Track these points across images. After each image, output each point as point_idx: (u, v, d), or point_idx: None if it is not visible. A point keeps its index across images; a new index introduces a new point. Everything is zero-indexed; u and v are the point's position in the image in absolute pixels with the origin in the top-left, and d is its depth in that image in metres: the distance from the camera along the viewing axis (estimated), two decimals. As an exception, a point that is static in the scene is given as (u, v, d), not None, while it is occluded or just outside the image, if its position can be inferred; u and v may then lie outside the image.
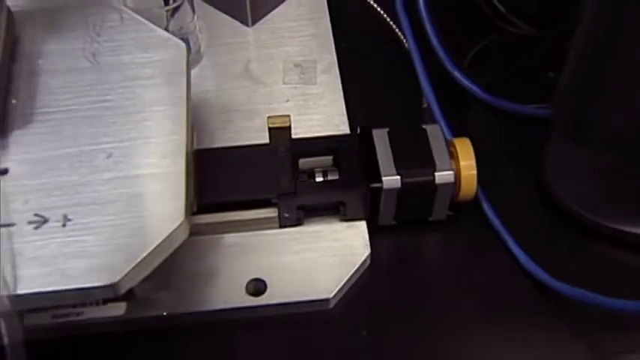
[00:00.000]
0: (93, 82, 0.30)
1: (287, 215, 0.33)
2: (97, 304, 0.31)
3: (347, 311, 0.32)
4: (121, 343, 0.31)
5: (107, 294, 0.25)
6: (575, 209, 0.34)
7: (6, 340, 0.24)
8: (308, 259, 0.32)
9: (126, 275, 0.25)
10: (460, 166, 0.32)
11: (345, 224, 0.33)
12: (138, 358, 0.31)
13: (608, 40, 0.27)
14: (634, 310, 0.29)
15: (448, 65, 0.37)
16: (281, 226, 0.33)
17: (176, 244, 0.26)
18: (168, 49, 0.32)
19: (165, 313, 0.31)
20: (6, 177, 0.27)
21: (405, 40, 0.40)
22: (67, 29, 0.32)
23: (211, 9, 0.42)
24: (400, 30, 0.41)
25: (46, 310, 0.30)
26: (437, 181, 0.32)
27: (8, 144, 0.28)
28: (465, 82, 0.37)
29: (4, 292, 0.24)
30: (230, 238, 0.33)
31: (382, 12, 0.42)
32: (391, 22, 0.42)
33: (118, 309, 0.30)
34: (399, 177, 0.32)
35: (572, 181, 0.34)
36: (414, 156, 0.32)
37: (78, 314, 0.30)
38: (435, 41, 0.37)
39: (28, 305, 0.25)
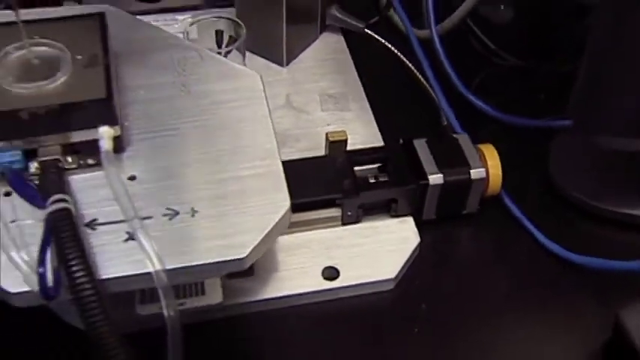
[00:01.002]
0: (188, 106, 0.36)
1: (349, 213, 0.39)
2: (197, 294, 0.36)
3: (406, 290, 0.38)
4: (219, 329, 0.35)
5: (237, 267, 0.30)
6: (578, 197, 0.41)
7: (167, 313, 0.29)
8: (370, 249, 0.38)
9: (252, 251, 0.30)
10: (488, 165, 0.39)
11: (396, 220, 0.40)
12: (238, 341, 0.35)
13: (613, 43, 0.35)
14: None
15: (463, 91, 0.45)
16: (343, 224, 0.39)
17: (285, 226, 0.32)
18: (245, 78, 0.38)
19: (257, 299, 0.36)
20: (134, 182, 0.32)
21: (416, 72, 0.47)
22: (158, 66, 0.37)
23: (249, 53, 0.49)
24: (413, 64, 0.48)
25: (153, 302, 0.35)
26: (472, 177, 0.39)
27: (128, 157, 0.33)
28: (478, 103, 0.45)
29: (159, 267, 0.29)
30: (302, 235, 0.39)
31: (394, 49, 0.50)
32: (402, 56, 0.49)
33: (216, 297, 0.35)
34: (441, 175, 0.38)
35: (575, 174, 0.42)
36: (451, 158, 0.39)
37: (181, 304, 0.35)
38: (452, 73, 0.45)
39: (176, 280, 0.30)
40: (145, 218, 0.31)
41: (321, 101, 0.46)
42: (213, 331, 0.35)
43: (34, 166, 0.32)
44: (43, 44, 0.33)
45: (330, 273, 0.37)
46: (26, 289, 0.28)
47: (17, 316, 0.30)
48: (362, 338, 0.36)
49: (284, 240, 0.38)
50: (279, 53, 0.48)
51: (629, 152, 0.41)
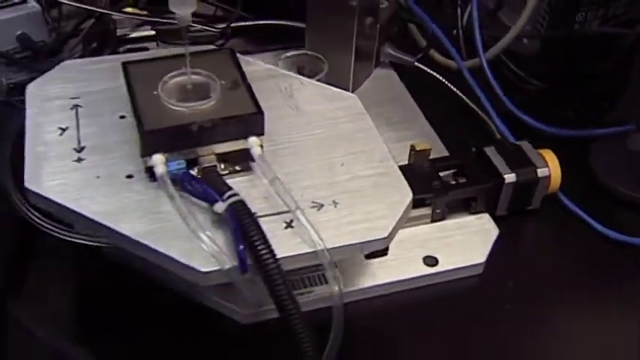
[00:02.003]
0: (303, 123, 0.42)
1: (438, 211, 0.45)
2: (321, 283, 0.41)
3: (493, 272, 0.44)
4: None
5: (380, 245, 0.36)
6: (618, 188, 0.49)
7: (333, 287, 0.34)
8: (459, 240, 0.45)
9: (391, 231, 0.36)
10: (549, 166, 0.46)
11: (474, 216, 0.46)
12: (355, 323, 0.41)
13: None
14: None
15: (511, 107, 0.52)
16: (432, 221, 0.45)
17: (408, 214, 0.38)
18: (346, 99, 0.45)
19: (370, 285, 0.42)
20: (278, 183, 0.38)
21: (463, 96, 0.55)
22: (269, 92, 0.43)
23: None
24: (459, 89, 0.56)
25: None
26: (539, 175, 0.46)
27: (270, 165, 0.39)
28: (525, 117, 0.52)
29: (322, 247, 0.34)
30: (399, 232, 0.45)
31: (441, 78, 0.57)
32: (449, 84, 0.57)
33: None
34: (514, 174, 0.45)
35: (612, 168, 0.50)
36: (519, 161, 0.46)
37: (310, 292, 0.41)
38: (500, 93, 0.52)
39: (335, 257, 0.35)
40: (298, 209, 0.36)
41: (386, 122, 0.53)
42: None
43: (194, 173, 0.37)
44: (195, 73, 0.39)
45: (430, 261, 0.43)
46: (217, 267, 0.33)
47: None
48: (464, 314, 0.42)
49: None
50: (347, 84, 0.55)
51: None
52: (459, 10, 0.59)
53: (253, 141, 0.38)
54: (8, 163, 0.43)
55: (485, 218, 0.46)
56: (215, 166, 0.38)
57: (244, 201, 0.35)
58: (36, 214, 0.40)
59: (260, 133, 0.38)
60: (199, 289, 0.40)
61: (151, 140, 0.36)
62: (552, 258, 0.46)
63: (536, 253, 0.46)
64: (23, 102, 0.53)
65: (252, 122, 0.38)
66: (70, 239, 0.40)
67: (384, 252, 0.42)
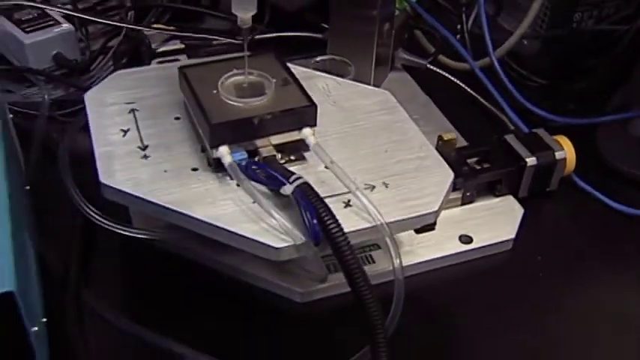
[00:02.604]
0: (345, 117, 0.46)
1: (468, 194, 0.49)
2: (370, 262, 0.45)
3: (521, 248, 0.48)
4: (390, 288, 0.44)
5: (430, 219, 0.40)
6: (623, 168, 0.54)
7: (394, 260, 0.37)
8: (489, 220, 0.49)
9: (439, 206, 0.40)
10: (565, 149, 0.51)
11: (499, 199, 0.50)
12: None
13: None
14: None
15: (522, 100, 0.56)
16: (462, 204, 0.49)
17: (450, 191, 0.42)
18: (380, 94, 0.48)
19: (416, 262, 0.45)
20: (335, 166, 0.41)
21: (474, 93, 0.60)
22: (310, 91, 0.47)
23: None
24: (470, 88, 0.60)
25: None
26: (557, 157, 0.50)
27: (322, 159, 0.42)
28: (535, 109, 0.56)
29: (382, 221, 0.38)
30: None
31: (453, 78, 0.61)
32: (461, 83, 0.61)
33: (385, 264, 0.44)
34: (535, 157, 0.49)
35: (618, 151, 0.54)
36: (538, 146, 0.50)
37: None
38: (511, 88, 0.57)
39: (393, 230, 0.38)
40: (353, 191, 0.40)
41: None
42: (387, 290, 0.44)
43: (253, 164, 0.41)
44: (250, 73, 0.43)
45: (465, 239, 0.47)
46: (289, 243, 0.37)
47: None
48: (499, 285, 0.46)
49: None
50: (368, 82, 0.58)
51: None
52: (463, 16, 0.64)
53: (307, 131, 0.41)
54: (68, 169, 0.45)
55: (510, 200, 0.50)
56: (274, 155, 0.41)
57: (309, 182, 0.38)
58: (96, 211, 0.43)
59: (313, 124, 0.42)
60: (251, 273, 0.44)
61: (218, 133, 0.39)
62: (573, 233, 0.50)
63: (558, 230, 0.51)
64: (65, 116, 0.57)
65: (306, 114, 0.41)
66: (126, 233, 0.43)
67: (432, 226, 0.45)
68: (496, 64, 0.57)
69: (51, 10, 0.62)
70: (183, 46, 0.62)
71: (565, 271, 0.47)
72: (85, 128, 0.45)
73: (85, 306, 0.42)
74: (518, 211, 0.50)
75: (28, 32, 0.59)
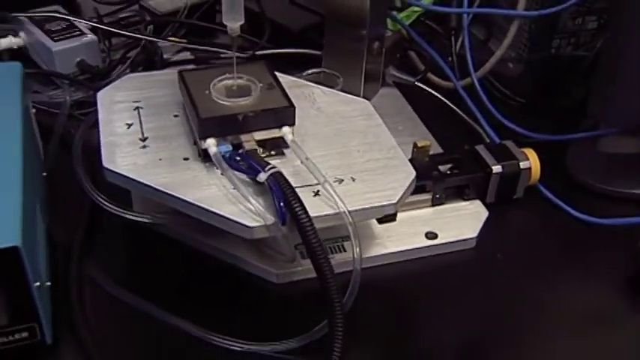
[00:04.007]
0: (325, 121, 0.51)
1: (438, 196, 0.54)
2: (340, 251, 0.49)
3: (483, 246, 0.52)
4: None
5: (390, 210, 0.45)
6: (588, 181, 0.58)
7: (354, 246, 0.42)
8: (455, 220, 0.53)
9: (399, 199, 0.45)
10: (530, 159, 0.55)
11: (468, 202, 0.55)
12: (369, 285, 0.49)
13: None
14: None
15: (498, 116, 0.61)
16: (432, 205, 0.54)
17: (412, 189, 0.47)
18: (359, 103, 0.54)
19: (381, 253, 0.50)
20: (309, 162, 0.46)
21: (456, 108, 0.64)
22: (295, 97, 0.52)
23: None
24: (458, 107, 0.65)
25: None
26: (521, 167, 0.54)
27: (297, 154, 0.47)
28: (511, 125, 0.61)
29: (345, 209, 0.43)
30: (404, 214, 0.53)
31: (437, 94, 0.67)
32: (444, 99, 0.66)
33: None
34: (500, 166, 0.54)
35: (585, 165, 0.59)
36: (505, 156, 0.55)
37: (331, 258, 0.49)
38: (488, 104, 0.62)
39: (356, 218, 0.43)
40: (325, 182, 0.45)
41: (392, 130, 0.62)
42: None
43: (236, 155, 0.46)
44: (239, 77, 0.49)
45: (431, 235, 0.52)
46: (261, 223, 0.42)
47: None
48: (461, 280, 0.50)
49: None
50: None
51: (623, 153, 0.58)
52: (452, 39, 0.69)
53: (286, 130, 0.47)
54: (80, 160, 0.52)
55: (477, 203, 0.55)
56: (256, 149, 0.46)
57: (282, 172, 0.43)
58: (103, 197, 0.49)
59: (292, 123, 0.47)
60: (234, 254, 0.49)
61: (206, 126, 0.45)
62: (533, 236, 0.55)
63: (520, 233, 0.55)
64: (83, 115, 0.63)
65: (286, 114, 0.47)
66: (127, 216, 0.49)
67: (393, 217, 0.50)
68: (476, 82, 0.62)
69: (78, 22, 0.69)
70: (193, 57, 0.69)
71: (523, 267, 0.51)
72: (96, 124, 0.52)
73: (86, 276, 0.48)
74: (483, 213, 0.54)
75: (56, 41, 0.66)
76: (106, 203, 0.49)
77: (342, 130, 0.51)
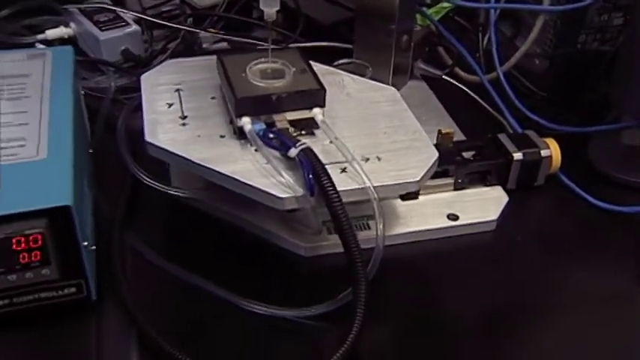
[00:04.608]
0: (354, 105, 0.54)
1: (460, 180, 0.56)
2: (365, 229, 0.52)
3: (503, 229, 0.54)
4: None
5: (413, 188, 0.47)
6: (608, 171, 0.60)
7: (377, 219, 0.45)
8: (476, 203, 0.56)
9: (422, 177, 0.47)
10: (551, 148, 0.57)
11: (489, 188, 0.57)
12: (390, 262, 0.51)
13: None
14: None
15: (523, 109, 0.63)
16: (455, 189, 0.56)
17: (434, 169, 0.49)
18: (386, 90, 0.57)
19: (405, 231, 0.53)
20: (338, 142, 0.49)
21: (481, 101, 0.67)
22: (327, 84, 0.54)
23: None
24: (483, 100, 0.67)
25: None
26: (542, 155, 0.57)
27: (327, 134, 0.50)
28: (534, 117, 0.63)
29: (370, 184, 0.45)
30: (428, 196, 0.55)
31: (463, 87, 0.69)
32: (470, 92, 0.68)
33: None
34: (521, 153, 0.56)
35: (605, 157, 0.60)
36: (526, 143, 0.57)
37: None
38: (513, 97, 0.64)
39: (381, 193, 0.46)
40: (353, 159, 0.48)
41: (419, 120, 0.64)
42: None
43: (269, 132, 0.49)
44: (273, 61, 0.52)
45: (452, 216, 0.54)
46: (291, 194, 0.45)
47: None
48: (480, 258, 0.53)
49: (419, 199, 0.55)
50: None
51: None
52: (480, 35, 0.72)
53: (317, 111, 0.50)
54: (124, 139, 0.55)
55: (498, 189, 0.57)
56: (287, 128, 0.49)
57: (311, 148, 0.46)
58: (144, 172, 0.53)
59: (322, 105, 0.50)
60: (267, 229, 0.52)
61: (242, 105, 0.48)
62: (554, 221, 0.57)
63: (539, 217, 0.57)
64: (127, 99, 0.67)
65: (317, 96, 0.50)
66: (166, 191, 0.52)
67: (415, 195, 0.53)
68: (501, 75, 0.65)
69: (124, 14, 0.73)
70: (229, 47, 0.72)
71: (542, 250, 0.54)
72: (138, 107, 0.55)
73: (127, 244, 0.51)
74: (504, 198, 0.56)
75: (103, 30, 0.70)
76: (146, 178, 0.53)
77: (370, 114, 0.54)
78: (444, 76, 0.70)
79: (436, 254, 0.53)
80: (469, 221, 0.54)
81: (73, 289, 0.45)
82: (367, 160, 0.49)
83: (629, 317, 0.49)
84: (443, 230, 0.54)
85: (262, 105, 0.49)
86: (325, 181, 0.44)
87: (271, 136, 0.48)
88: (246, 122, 0.49)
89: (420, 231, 0.53)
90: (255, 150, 0.49)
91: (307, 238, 0.51)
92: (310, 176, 0.44)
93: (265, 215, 0.52)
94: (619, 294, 0.51)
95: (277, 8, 0.48)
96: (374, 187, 0.46)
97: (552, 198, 0.59)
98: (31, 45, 0.72)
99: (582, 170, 0.61)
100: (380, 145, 0.50)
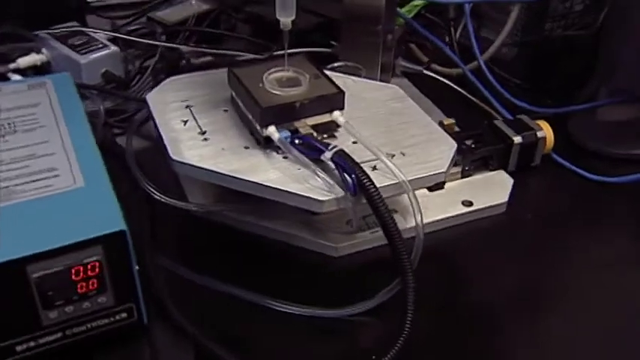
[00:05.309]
0: (364, 106, 0.56)
1: (467, 168, 0.59)
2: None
3: (514, 210, 0.58)
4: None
5: (440, 178, 0.50)
6: (590, 146, 0.64)
7: (415, 213, 0.47)
8: (485, 188, 0.58)
9: (447, 168, 0.50)
10: (545, 130, 0.61)
11: (493, 172, 0.60)
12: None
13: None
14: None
15: (507, 95, 0.67)
16: (462, 177, 0.59)
17: (454, 159, 0.52)
18: (390, 88, 0.59)
19: (430, 220, 0.55)
20: (363, 141, 0.51)
21: (463, 91, 0.70)
22: None
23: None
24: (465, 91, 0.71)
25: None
26: (538, 136, 0.60)
27: (352, 134, 0.52)
28: (518, 102, 0.67)
29: (404, 179, 0.47)
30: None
31: (445, 80, 0.72)
32: (452, 84, 0.71)
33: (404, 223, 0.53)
34: (520, 136, 0.60)
35: (585, 133, 0.65)
36: (522, 127, 0.61)
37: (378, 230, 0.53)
38: (497, 85, 0.67)
39: (413, 186, 0.48)
40: (378, 159, 0.49)
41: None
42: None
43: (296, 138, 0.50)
44: (288, 70, 0.53)
45: (467, 202, 0.57)
46: (332, 196, 0.46)
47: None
48: (499, 237, 0.55)
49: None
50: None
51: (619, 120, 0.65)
52: (452, 29, 0.75)
53: (337, 114, 0.51)
54: (133, 157, 0.55)
55: (502, 173, 0.60)
56: (311, 133, 0.51)
57: (344, 149, 0.48)
58: (158, 190, 0.52)
59: (342, 107, 0.51)
60: (294, 234, 0.53)
61: (267, 115, 0.49)
62: (555, 196, 0.61)
63: (543, 196, 0.61)
64: (117, 122, 0.66)
65: (337, 99, 0.51)
66: (187, 208, 0.53)
67: (442, 185, 0.55)
68: (483, 65, 0.68)
69: (99, 35, 0.72)
70: (213, 60, 0.73)
71: (551, 224, 0.57)
72: (143, 125, 0.55)
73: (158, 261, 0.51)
74: (509, 181, 0.59)
75: (82, 54, 0.69)
76: (163, 196, 0.52)
77: (380, 112, 0.56)
78: (424, 71, 0.73)
79: (458, 238, 0.55)
80: (483, 205, 0.57)
81: (125, 315, 0.44)
82: (393, 156, 0.51)
83: (632, 278, 0.53)
84: (460, 217, 0.56)
85: (286, 113, 0.50)
86: (365, 180, 0.46)
87: (297, 142, 0.49)
88: (272, 131, 0.49)
89: (440, 219, 0.55)
90: (284, 157, 0.50)
91: (337, 238, 0.53)
92: (353, 175, 0.46)
93: (289, 221, 0.53)
94: (620, 255, 0.55)
95: (293, 17, 0.49)
96: (408, 181, 0.48)
97: (548, 175, 0.62)
98: (3, 75, 0.69)
99: (566, 148, 0.65)
100: (399, 142, 0.52)
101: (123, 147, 0.58)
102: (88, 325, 0.43)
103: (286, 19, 0.49)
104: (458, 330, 0.48)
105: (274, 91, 0.51)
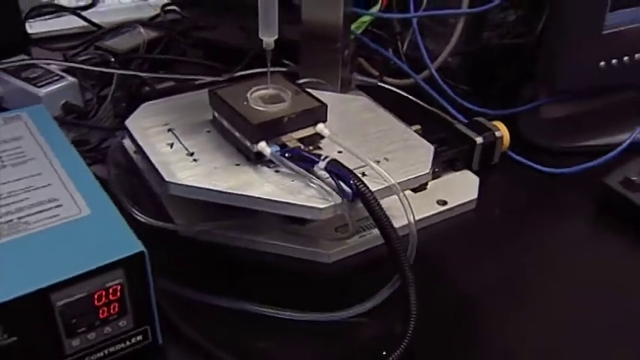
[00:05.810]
0: (338, 118, 0.58)
1: (436, 170, 0.62)
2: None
3: (483, 205, 0.62)
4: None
5: (423, 180, 0.53)
6: (539, 142, 0.70)
7: (408, 218, 0.50)
8: (455, 188, 0.62)
9: (430, 169, 0.53)
10: (501, 130, 0.66)
11: (459, 172, 0.64)
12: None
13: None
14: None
15: (462, 101, 0.71)
16: (433, 179, 0.63)
17: (432, 163, 0.55)
18: (359, 99, 0.62)
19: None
20: (349, 150, 0.53)
21: (417, 100, 0.74)
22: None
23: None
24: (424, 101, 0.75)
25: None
26: (496, 135, 0.65)
27: (338, 144, 0.54)
28: (470, 105, 0.71)
29: (393, 182, 0.50)
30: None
31: (399, 91, 0.76)
32: (405, 94, 0.75)
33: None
34: (482, 137, 0.64)
35: (533, 130, 0.70)
36: (481, 129, 0.65)
37: (370, 233, 0.56)
38: (449, 91, 0.72)
39: (403, 187, 0.51)
40: (368, 165, 0.52)
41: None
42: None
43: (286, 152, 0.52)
44: (269, 88, 0.55)
45: (441, 202, 0.60)
46: (330, 203, 0.48)
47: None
48: (475, 234, 0.59)
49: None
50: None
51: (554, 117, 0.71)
52: (399, 43, 0.79)
53: (321, 126, 0.54)
54: (117, 181, 0.55)
55: (468, 172, 0.64)
56: (299, 146, 0.53)
57: (336, 158, 0.50)
58: (141, 212, 0.53)
59: (325, 120, 0.54)
60: (285, 245, 0.54)
61: (258, 131, 0.51)
62: (516, 190, 0.65)
63: (505, 190, 0.65)
64: (86, 151, 0.66)
65: (320, 112, 0.54)
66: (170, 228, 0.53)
67: (424, 186, 0.58)
68: (435, 74, 0.72)
69: (54, 66, 0.71)
70: (175, 84, 0.73)
71: (516, 215, 0.62)
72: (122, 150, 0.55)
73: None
74: (475, 179, 0.64)
75: (40, 86, 0.68)
76: (150, 219, 0.53)
77: (356, 123, 0.59)
78: (379, 83, 0.76)
79: (438, 235, 0.58)
80: (456, 203, 0.60)
81: (140, 337, 0.44)
82: (378, 162, 0.53)
83: (591, 254, 0.58)
84: (437, 215, 0.60)
85: (275, 128, 0.52)
86: (361, 186, 0.48)
87: (287, 155, 0.51)
88: (263, 147, 0.51)
89: (420, 219, 0.59)
90: (276, 171, 0.51)
91: (328, 245, 0.55)
92: (351, 182, 0.48)
93: (278, 233, 0.55)
94: (578, 237, 0.60)
95: (275, 37, 0.51)
96: (398, 183, 0.51)
97: (507, 172, 0.67)
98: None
99: (518, 145, 0.70)
100: (380, 148, 0.55)
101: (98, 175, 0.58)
102: (106, 351, 0.43)
103: (269, 38, 0.51)
104: (445, 325, 0.51)
105: (260, 108, 0.53)
